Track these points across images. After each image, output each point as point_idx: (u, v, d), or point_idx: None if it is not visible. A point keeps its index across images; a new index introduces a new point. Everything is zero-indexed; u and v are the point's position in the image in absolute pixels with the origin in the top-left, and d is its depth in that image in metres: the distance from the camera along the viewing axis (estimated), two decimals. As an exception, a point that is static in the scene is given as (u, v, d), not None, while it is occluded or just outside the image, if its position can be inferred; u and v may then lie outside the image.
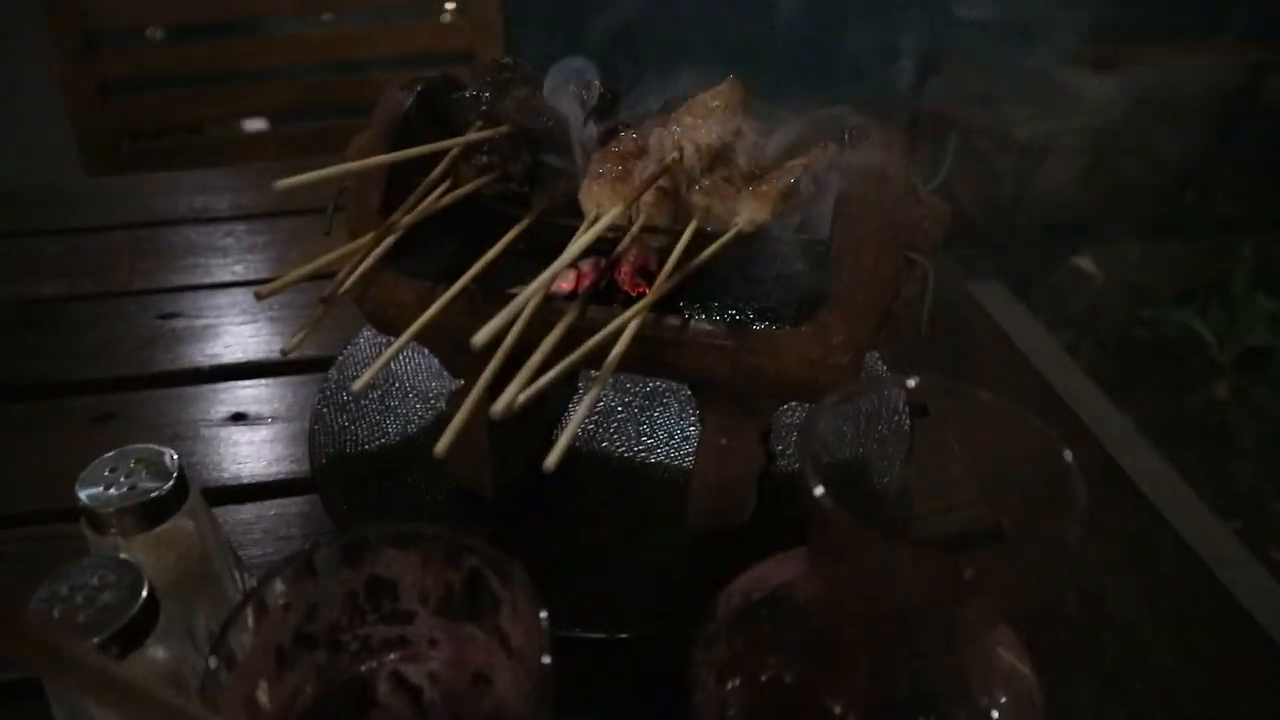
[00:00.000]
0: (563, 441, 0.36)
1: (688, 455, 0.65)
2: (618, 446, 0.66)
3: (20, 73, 1.63)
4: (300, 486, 0.64)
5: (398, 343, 0.41)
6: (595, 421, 0.68)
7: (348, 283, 0.43)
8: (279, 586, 0.32)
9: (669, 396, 0.71)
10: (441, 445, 0.35)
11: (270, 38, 1.50)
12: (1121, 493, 0.66)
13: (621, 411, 0.70)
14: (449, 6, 1.59)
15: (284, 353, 0.41)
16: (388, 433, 0.66)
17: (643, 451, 0.66)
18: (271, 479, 0.65)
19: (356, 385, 0.38)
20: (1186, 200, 2.72)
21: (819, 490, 0.28)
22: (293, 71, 1.55)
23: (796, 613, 0.38)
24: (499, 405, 0.35)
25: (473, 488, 0.61)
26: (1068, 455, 0.27)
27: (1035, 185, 2.67)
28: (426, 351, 0.73)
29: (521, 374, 0.37)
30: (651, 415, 0.69)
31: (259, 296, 0.40)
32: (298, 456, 0.66)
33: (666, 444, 0.67)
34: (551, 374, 0.37)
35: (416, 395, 0.69)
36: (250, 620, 0.31)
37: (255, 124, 1.73)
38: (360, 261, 0.45)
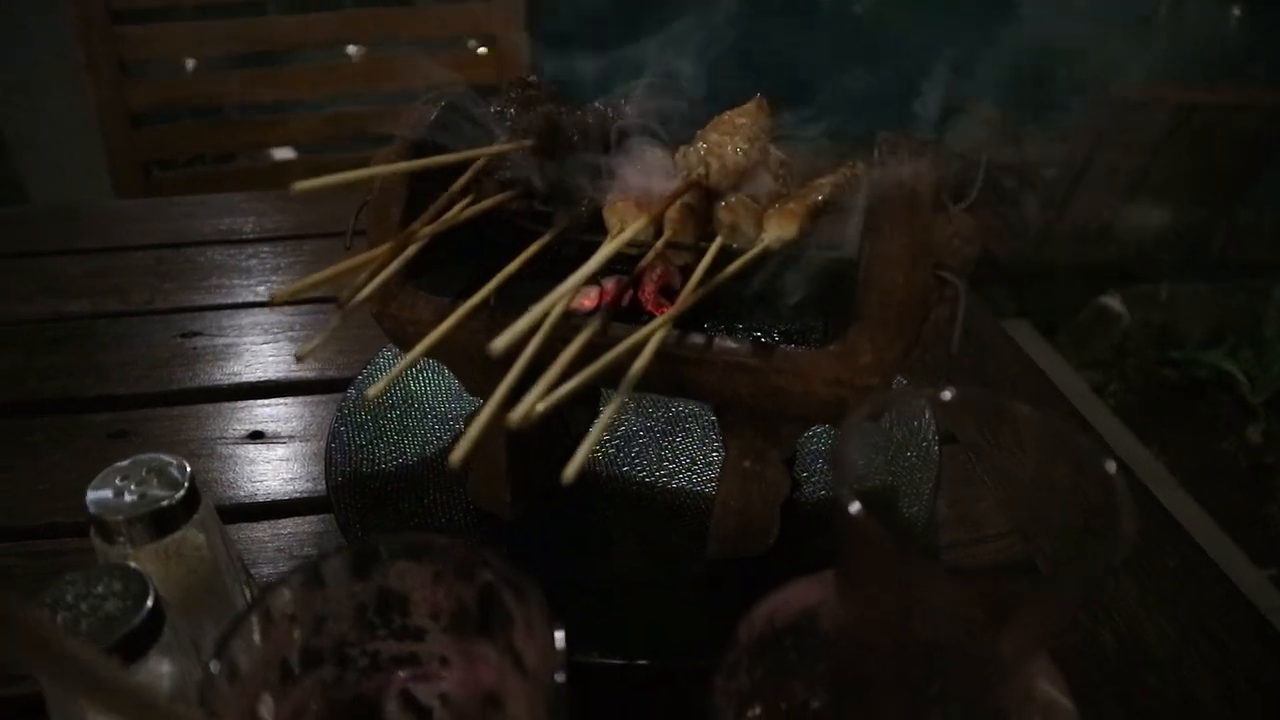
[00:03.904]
0: (582, 453, 0.35)
1: (710, 481, 0.64)
2: (639, 471, 0.65)
3: (55, 99, 1.66)
4: (316, 506, 0.63)
5: (416, 350, 0.40)
6: (616, 446, 0.67)
7: (366, 290, 0.43)
8: (286, 595, 0.31)
9: (691, 422, 0.70)
10: (457, 454, 0.34)
11: (299, 68, 1.52)
12: (1159, 527, 0.64)
13: (643, 436, 0.68)
14: (477, 47, 1.60)
15: (298, 358, 0.41)
16: (405, 453, 0.65)
17: (664, 476, 0.65)
18: (287, 498, 0.64)
19: (371, 391, 0.37)
20: (1214, 242, 2.70)
21: (855, 506, 0.27)
22: (320, 102, 1.57)
23: (823, 640, 0.37)
24: (517, 413, 0.34)
25: (490, 509, 0.59)
26: (1111, 466, 0.26)
27: (1061, 223, 2.66)
28: (446, 373, 0.72)
29: (540, 383, 0.35)
30: (674, 440, 0.68)
31: (274, 300, 0.40)
32: (314, 475, 0.65)
33: (689, 469, 0.66)
34: (572, 384, 0.36)
35: (435, 417, 0.68)
36: (255, 630, 0.30)
37: (283, 153, 1.75)
38: (379, 269, 0.44)
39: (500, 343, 0.36)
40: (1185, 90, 2.36)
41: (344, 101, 1.57)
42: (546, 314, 0.39)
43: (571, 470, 0.35)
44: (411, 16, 1.49)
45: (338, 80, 1.52)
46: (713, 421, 0.69)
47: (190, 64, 1.59)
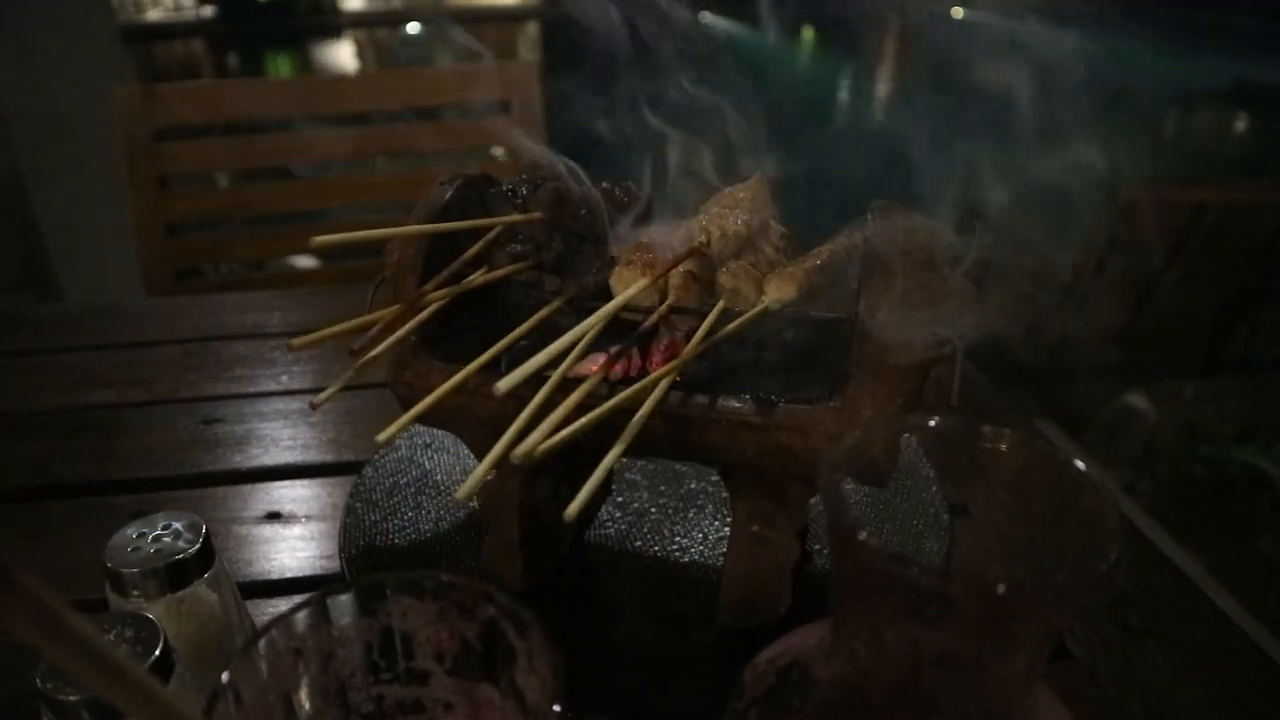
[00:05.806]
0: (584, 494, 0.36)
1: (722, 556, 0.64)
2: (651, 546, 0.65)
3: (97, 210, 1.74)
4: (331, 582, 0.63)
5: (430, 397, 0.42)
6: (629, 522, 0.67)
7: (381, 346, 0.44)
8: (292, 627, 0.31)
9: (704, 499, 0.70)
10: (463, 491, 0.34)
11: (327, 181, 1.58)
12: (1187, 598, 0.63)
13: (655, 513, 0.69)
14: (498, 151, 1.67)
15: (313, 405, 0.42)
16: (419, 529, 0.65)
17: (676, 551, 0.65)
18: (303, 575, 0.64)
19: (381, 436, 0.39)
20: (1238, 338, 2.69)
21: (850, 520, 0.27)
22: (348, 211, 1.64)
23: (825, 685, 0.36)
24: (520, 450, 0.35)
25: (503, 581, 0.59)
26: (1079, 465, 0.26)
27: (1081, 324, 2.66)
28: (458, 453, 0.73)
29: (544, 425, 0.37)
30: (686, 516, 0.68)
31: (291, 347, 0.41)
32: (329, 553, 0.66)
33: (701, 544, 0.65)
34: (576, 425, 0.37)
35: (448, 494, 0.69)
36: (261, 659, 0.30)
37: (306, 261, 1.81)
38: (393, 323, 0.46)
39: (505, 383, 0.37)
40: (1194, 190, 2.40)
41: (368, 211, 1.63)
42: (552, 360, 0.41)
43: (574, 508, 0.35)
44: (435, 130, 1.56)
45: (363, 191, 1.58)
46: (724, 499, 0.69)
47: (223, 177, 1.66)
